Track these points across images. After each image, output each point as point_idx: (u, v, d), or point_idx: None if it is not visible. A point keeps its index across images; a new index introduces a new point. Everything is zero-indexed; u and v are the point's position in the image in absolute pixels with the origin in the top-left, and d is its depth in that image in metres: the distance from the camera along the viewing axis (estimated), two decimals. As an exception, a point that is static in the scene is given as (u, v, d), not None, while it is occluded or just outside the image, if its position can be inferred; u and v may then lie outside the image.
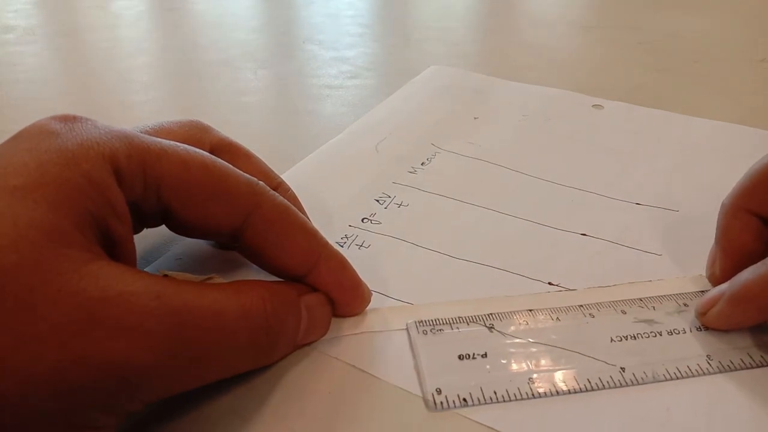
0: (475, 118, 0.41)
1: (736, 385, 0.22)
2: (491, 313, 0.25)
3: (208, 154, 0.22)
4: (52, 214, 0.17)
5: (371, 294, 0.25)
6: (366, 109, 0.43)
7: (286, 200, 0.23)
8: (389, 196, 0.33)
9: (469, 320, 0.25)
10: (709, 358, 0.23)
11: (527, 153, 0.37)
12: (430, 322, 0.25)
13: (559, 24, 0.60)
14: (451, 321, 0.25)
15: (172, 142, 0.21)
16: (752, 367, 0.23)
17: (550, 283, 0.27)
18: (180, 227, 0.23)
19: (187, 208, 0.21)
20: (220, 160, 0.22)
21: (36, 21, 0.61)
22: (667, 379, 0.22)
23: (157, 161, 0.20)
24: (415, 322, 0.25)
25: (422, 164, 0.36)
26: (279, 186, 0.28)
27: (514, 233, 0.30)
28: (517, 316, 0.25)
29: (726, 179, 0.28)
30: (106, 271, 0.17)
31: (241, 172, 0.22)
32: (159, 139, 0.21)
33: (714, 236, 0.27)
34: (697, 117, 0.41)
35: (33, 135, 0.19)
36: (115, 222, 0.19)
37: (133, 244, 0.21)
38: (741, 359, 0.23)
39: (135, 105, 0.44)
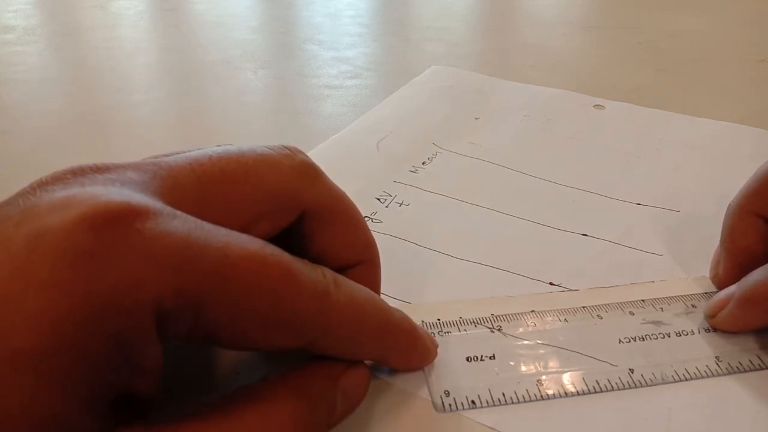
0: (476, 118, 0.41)
1: (740, 386, 0.22)
2: (499, 315, 0.25)
3: (282, 256, 0.17)
4: (55, 396, 0.14)
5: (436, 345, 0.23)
6: (366, 109, 0.42)
7: (357, 294, 0.19)
8: (390, 195, 0.33)
9: (477, 322, 0.25)
10: (718, 360, 0.23)
11: (528, 153, 0.37)
12: (437, 324, 0.24)
13: (559, 24, 0.60)
14: (459, 323, 0.25)
15: (239, 242, 0.16)
16: (760, 369, 0.23)
17: (551, 284, 0.27)
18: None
19: (238, 340, 0.17)
20: (291, 262, 0.17)
21: (36, 21, 0.61)
22: (675, 381, 0.22)
23: (217, 294, 0.15)
24: (423, 324, 0.24)
25: (423, 164, 0.36)
26: (369, 260, 0.23)
27: (515, 233, 0.30)
28: (525, 317, 0.25)
29: (727, 179, 0.28)
30: None
31: (310, 270, 0.18)
32: (224, 244, 0.16)
33: (717, 237, 0.27)
34: (698, 117, 0.42)
35: (56, 256, 0.14)
36: (140, 384, 0.16)
37: (155, 390, 0.17)
38: (750, 360, 0.23)
39: (135, 105, 0.44)
